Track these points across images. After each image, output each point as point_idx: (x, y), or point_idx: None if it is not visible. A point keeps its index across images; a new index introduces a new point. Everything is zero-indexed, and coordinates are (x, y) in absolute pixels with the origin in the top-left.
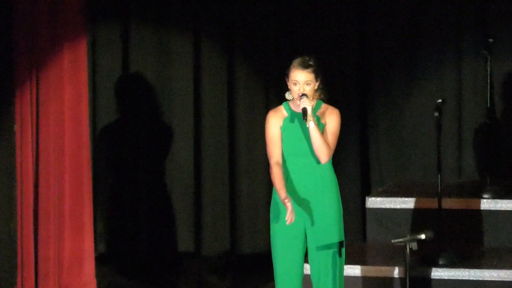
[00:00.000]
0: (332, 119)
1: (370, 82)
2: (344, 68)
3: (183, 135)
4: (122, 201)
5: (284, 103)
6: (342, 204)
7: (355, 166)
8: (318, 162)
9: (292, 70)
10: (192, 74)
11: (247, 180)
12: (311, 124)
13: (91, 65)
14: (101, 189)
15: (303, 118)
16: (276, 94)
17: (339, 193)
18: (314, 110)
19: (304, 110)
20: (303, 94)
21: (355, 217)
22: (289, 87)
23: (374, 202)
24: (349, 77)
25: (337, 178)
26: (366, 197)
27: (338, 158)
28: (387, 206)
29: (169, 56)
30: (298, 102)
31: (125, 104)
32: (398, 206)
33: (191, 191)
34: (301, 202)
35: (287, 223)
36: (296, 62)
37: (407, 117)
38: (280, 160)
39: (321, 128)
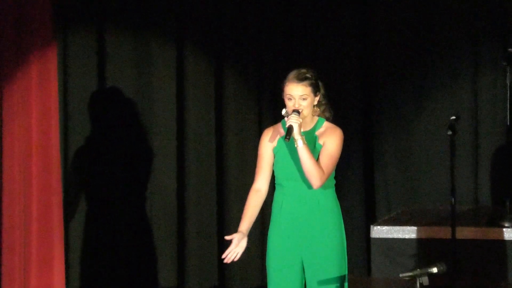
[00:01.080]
0: (331, 139)
1: (375, 97)
2: (346, 81)
3: (165, 155)
4: (97, 229)
5: (282, 121)
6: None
7: (358, 191)
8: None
9: (287, 83)
10: (175, 87)
11: (237, 206)
12: (299, 143)
13: (62, 76)
14: (73, 216)
15: (285, 137)
16: (271, 108)
17: (341, 222)
18: (315, 128)
19: (289, 128)
20: (296, 110)
21: (358, 248)
22: (284, 102)
23: (379, 231)
24: (351, 92)
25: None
26: (371, 226)
27: (340, 182)
28: (395, 236)
29: (149, 66)
30: (286, 119)
31: (101, 120)
32: (406, 236)
33: (174, 219)
34: (297, 231)
35: (225, 260)
36: (291, 74)
37: (416, 136)
38: (262, 186)
39: (318, 149)
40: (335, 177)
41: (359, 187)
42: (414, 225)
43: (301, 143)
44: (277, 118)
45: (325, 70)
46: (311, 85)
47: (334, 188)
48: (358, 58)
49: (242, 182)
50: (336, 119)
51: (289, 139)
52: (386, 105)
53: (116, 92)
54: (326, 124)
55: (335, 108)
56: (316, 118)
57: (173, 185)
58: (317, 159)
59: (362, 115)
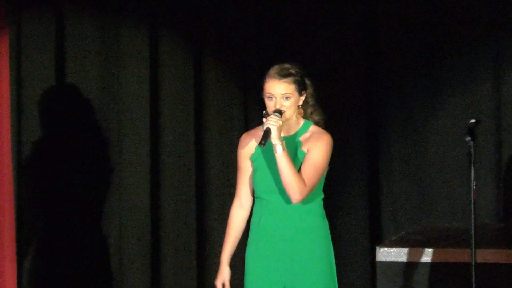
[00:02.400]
0: (317, 145)
1: (381, 99)
2: (347, 79)
3: (137, 163)
4: (55, 249)
5: (263, 124)
6: (345, 256)
7: (361, 207)
8: (301, 202)
9: (267, 80)
10: (148, 79)
11: (219, 219)
12: (277, 149)
13: (14, 68)
14: (27, 234)
15: (260, 142)
16: (260, 103)
17: (329, 243)
18: (300, 133)
19: (266, 131)
20: (277, 111)
21: (361, 273)
22: (265, 102)
23: (386, 254)
24: (354, 92)
25: (338, 224)
26: (377, 248)
27: (340, 197)
28: (404, 259)
29: (117, 55)
30: (264, 121)
31: (60, 119)
32: (418, 259)
33: (147, 237)
34: (277, 253)
35: None
36: (272, 70)
37: (429, 144)
38: (245, 201)
39: (301, 157)
40: (324, 190)
41: (362, 203)
42: (426, 247)
43: (279, 148)
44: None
45: (323, 66)
46: (296, 82)
47: (321, 203)
48: (363, 51)
49: (227, 193)
50: (336, 124)
51: (264, 144)
52: (393, 108)
53: (78, 86)
54: (312, 128)
55: (335, 111)
56: (302, 120)
57: (146, 195)
58: (298, 169)
59: (366, 119)
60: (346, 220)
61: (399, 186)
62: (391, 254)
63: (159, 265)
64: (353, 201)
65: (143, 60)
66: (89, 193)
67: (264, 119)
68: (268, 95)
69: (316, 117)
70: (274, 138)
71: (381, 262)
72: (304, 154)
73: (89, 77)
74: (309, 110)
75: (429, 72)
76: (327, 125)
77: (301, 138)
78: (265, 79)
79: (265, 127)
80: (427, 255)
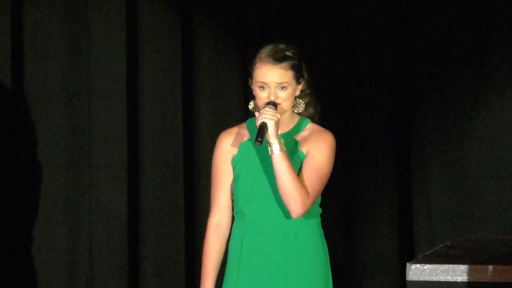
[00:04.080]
0: (319, 147)
1: (417, 96)
2: (376, 71)
3: (112, 158)
4: (14, 255)
5: (248, 120)
6: (370, 275)
7: (390, 217)
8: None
9: (258, 65)
10: (125, 48)
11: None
12: (274, 149)
13: None
14: None
15: (256, 140)
16: None
17: (328, 268)
18: (295, 131)
19: (261, 127)
20: (271, 103)
21: None
22: (253, 92)
23: (419, 271)
24: (385, 89)
25: (363, 237)
26: (407, 264)
27: (364, 205)
28: (441, 278)
29: (86, 18)
30: (257, 115)
31: (13, 104)
32: (458, 279)
33: (124, 246)
34: (265, 283)
35: None
36: (263, 52)
37: (471, 145)
38: (223, 218)
39: (300, 160)
40: (346, 197)
41: (391, 211)
42: (470, 263)
43: (277, 148)
44: None
45: (352, 57)
46: (293, 68)
47: (319, 220)
48: (394, 39)
49: None
50: (365, 123)
51: (261, 142)
52: (430, 105)
53: (38, 57)
54: (311, 126)
55: (364, 109)
56: (298, 116)
57: (123, 197)
58: (297, 175)
59: (398, 117)
60: (371, 232)
61: (435, 192)
62: (424, 272)
63: (137, 276)
64: (380, 209)
65: (118, 22)
66: (55, 192)
67: (256, 113)
68: (259, 84)
69: (311, 111)
70: (271, 136)
71: (413, 282)
72: (304, 157)
73: (52, 43)
74: (305, 100)
75: (472, 68)
76: (323, 120)
77: (298, 137)
78: (254, 63)
79: (259, 122)
80: (469, 274)
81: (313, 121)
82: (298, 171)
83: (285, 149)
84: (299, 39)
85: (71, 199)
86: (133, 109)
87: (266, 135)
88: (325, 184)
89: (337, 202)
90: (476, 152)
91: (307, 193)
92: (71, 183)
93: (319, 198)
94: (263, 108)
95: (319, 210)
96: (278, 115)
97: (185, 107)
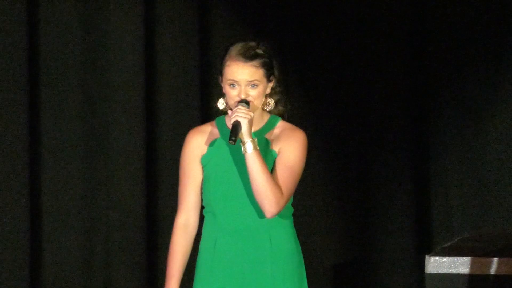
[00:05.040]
0: (291, 145)
1: (434, 88)
2: (392, 67)
3: (129, 152)
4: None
5: (218, 117)
6: (388, 268)
7: (407, 209)
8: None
9: (228, 62)
10: (143, 35)
11: None
12: (248, 149)
13: None
14: None
15: (229, 139)
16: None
17: (303, 270)
18: (265, 129)
19: (234, 126)
20: (243, 101)
21: (406, 287)
22: (224, 90)
23: (438, 264)
24: (401, 81)
25: (380, 229)
26: (426, 257)
27: (382, 197)
28: (460, 270)
29: (104, 8)
30: (230, 114)
31: (30, 90)
32: (476, 271)
33: (141, 242)
34: (237, 284)
35: None
36: (233, 49)
37: (489, 139)
38: (190, 218)
39: (272, 159)
40: (362, 190)
41: (408, 203)
42: (487, 256)
43: (250, 147)
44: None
45: (367, 50)
46: (264, 65)
47: (292, 219)
48: (409, 30)
49: None
50: (379, 115)
51: (235, 141)
52: (447, 97)
53: (53, 46)
54: (282, 124)
55: (380, 102)
56: (268, 114)
57: (139, 196)
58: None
59: (414, 109)
60: (389, 224)
61: (454, 183)
62: (443, 264)
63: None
64: (397, 201)
65: (136, 9)
66: (71, 188)
67: (229, 112)
68: (229, 82)
69: (281, 109)
70: (245, 134)
71: (431, 274)
72: (276, 155)
73: (68, 37)
74: (275, 99)
75: (490, 60)
76: (292, 118)
77: (269, 136)
78: (224, 60)
79: (232, 120)
80: (488, 266)
81: (283, 119)
82: (270, 170)
83: (258, 148)
84: (313, 35)
85: (87, 194)
86: (151, 104)
87: (240, 134)
88: (297, 183)
89: (355, 195)
90: (494, 146)
91: (281, 192)
92: (88, 179)
93: (291, 198)
94: (236, 106)
95: (292, 210)
96: (252, 114)
97: (203, 101)
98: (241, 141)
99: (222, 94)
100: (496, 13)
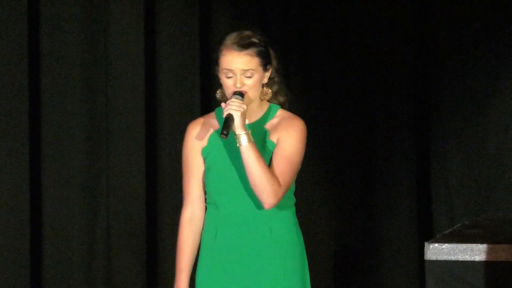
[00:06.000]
0: (290, 134)
1: (435, 76)
2: (395, 57)
3: (129, 142)
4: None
5: (217, 109)
6: (388, 254)
7: (408, 196)
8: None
9: (223, 52)
10: (143, 32)
11: None
12: (242, 141)
13: None
14: None
15: (221, 133)
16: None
17: (305, 260)
18: (264, 119)
19: (227, 119)
20: (238, 93)
21: (407, 274)
22: (220, 80)
23: (437, 251)
24: (402, 70)
25: (381, 216)
26: (426, 244)
27: (383, 184)
28: (459, 257)
29: (104, 8)
30: (223, 106)
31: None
32: (477, 258)
33: (142, 230)
34: (240, 275)
35: None
36: (228, 39)
37: (490, 125)
38: (196, 211)
39: (270, 150)
40: (364, 178)
41: (409, 190)
42: (486, 243)
43: (245, 140)
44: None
45: (370, 43)
46: (260, 54)
47: (294, 210)
48: (412, 30)
49: None
50: (381, 104)
51: (227, 135)
52: (448, 86)
53: (55, 45)
54: (281, 113)
55: (381, 91)
56: (267, 104)
57: (140, 182)
58: (268, 164)
59: (415, 97)
60: (390, 211)
61: (454, 171)
62: (443, 251)
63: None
64: (398, 189)
65: (136, 6)
66: (73, 174)
67: (222, 104)
68: (225, 71)
69: (281, 99)
70: (238, 127)
71: (431, 261)
72: (274, 146)
73: (69, 36)
74: (274, 88)
75: (491, 50)
76: (293, 107)
77: (268, 126)
78: (220, 50)
79: (225, 114)
80: (487, 253)
81: (283, 108)
82: (268, 161)
83: (253, 140)
84: (316, 30)
85: (88, 184)
86: (151, 93)
87: (233, 127)
88: (296, 173)
89: (356, 183)
90: (495, 132)
91: (278, 184)
92: (89, 166)
93: (293, 187)
94: (230, 99)
95: (293, 200)
96: (245, 106)
97: (203, 90)
98: (235, 134)
99: (220, 85)
100: (498, 4)
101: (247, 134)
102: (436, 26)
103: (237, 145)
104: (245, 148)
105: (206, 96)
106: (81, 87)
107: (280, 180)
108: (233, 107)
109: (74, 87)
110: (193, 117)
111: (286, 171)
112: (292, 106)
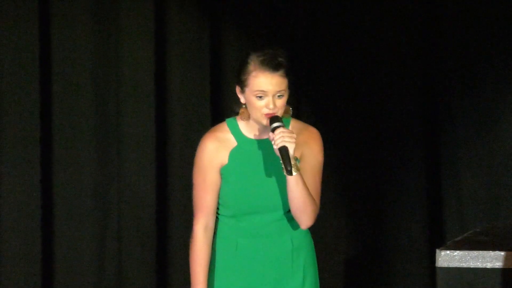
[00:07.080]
0: (313, 150)
1: (446, 84)
2: (404, 62)
3: (140, 150)
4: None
5: (229, 121)
6: (399, 261)
7: (420, 203)
8: (290, 219)
9: (255, 73)
10: (153, 54)
11: None
12: (293, 171)
13: None
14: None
15: (286, 170)
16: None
17: (316, 265)
18: None
19: (284, 152)
20: (275, 118)
21: (418, 281)
22: (245, 99)
23: (449, 258)
24: (413, 77)
25: (391, 223)
26: (437, 251)
27: (394, 191)
28: (471, 264)
29: (116, 25)
30: (271, 135)
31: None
32: (488, 265)
33: (153, 235)
34: (260, 285)
35: None
36: (258, 59)
37: (501, 132)
38: (209, 221)
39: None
40: (375, 182)
41: (420, 197)
42: (499, 250)
43: (295, 169)
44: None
45: (370, 41)
46: (288, 74)
47: None
48: (421, 35)
49: None
50: (392, 110)
51: (291, 171)
52: (459, 93)
53: (65, 63)
54: (294, 124)
55: (391, 97)
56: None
57: (150, 189)
58: None
59: (426, 105)
60: (401, 218)
61: (465, 178)
62: (454, 258)
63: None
64: (409, 196)
65: (146, 28)
66: (83, 180)
67: (270, 134)
68: (257, 93)
69: (285, 107)
70: (291, 158)
71: (442, 268)
72: (298, 161)
73: (81, 51)
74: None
75: (503, 56)
76: (302, 114)
77: None
78: (248, 71)
79: (278, 146)
80: (499, 260)
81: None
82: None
83: (299, 169)
84: (323, 36)
85: (99, 187)
86: (162, 99)
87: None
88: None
89: (366, 190)
90: (506, 139)
91: (317, 205)
92: (99, 172)
93: None
94: (272, 127)
95: None
96: (295, 135)
97: (213, 94)
98: (290, 168)
99: (238, 102)
100: (510, 10)
101: (295, 164)
102: (447, 34)
103: (284, 173)
104: (294, 178)
105: (216, 103)
106: (92, 94)
107: (316, 199)
108: (286, 139)
109: (85, 95)
110: (203, 124)
111: (319, 188)
112: (301, 113)
